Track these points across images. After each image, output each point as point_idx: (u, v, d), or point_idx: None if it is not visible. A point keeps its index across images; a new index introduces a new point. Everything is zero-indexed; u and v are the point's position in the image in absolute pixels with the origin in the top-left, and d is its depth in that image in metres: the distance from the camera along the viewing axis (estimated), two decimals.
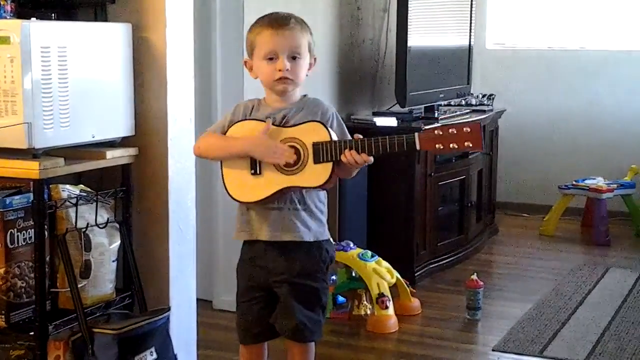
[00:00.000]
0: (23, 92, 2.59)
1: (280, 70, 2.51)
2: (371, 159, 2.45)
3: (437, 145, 2.36)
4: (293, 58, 2.52)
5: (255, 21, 2.59)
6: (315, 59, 2.61)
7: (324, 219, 2.63)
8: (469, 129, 2.35)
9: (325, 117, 2.55)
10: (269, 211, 2.55)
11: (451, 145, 2.35)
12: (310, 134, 2.46)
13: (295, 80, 2.54)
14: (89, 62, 2.81)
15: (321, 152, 2.44)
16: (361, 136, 2.45)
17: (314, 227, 2.58)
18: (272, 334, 2.66)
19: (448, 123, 2.32)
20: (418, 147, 2.38)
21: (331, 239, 2.69)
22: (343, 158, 2.42)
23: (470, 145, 2.36)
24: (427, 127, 2.39)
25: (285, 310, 2.59)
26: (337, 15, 5.10)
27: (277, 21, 2.53)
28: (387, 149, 2.41)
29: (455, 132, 2.34)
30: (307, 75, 2.59)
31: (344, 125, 2.60)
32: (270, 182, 2.50)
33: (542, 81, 6.67)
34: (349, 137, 2.55)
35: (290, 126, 2.51)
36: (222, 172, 2.59)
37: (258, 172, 2.51)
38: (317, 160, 2.44)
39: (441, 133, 2.35)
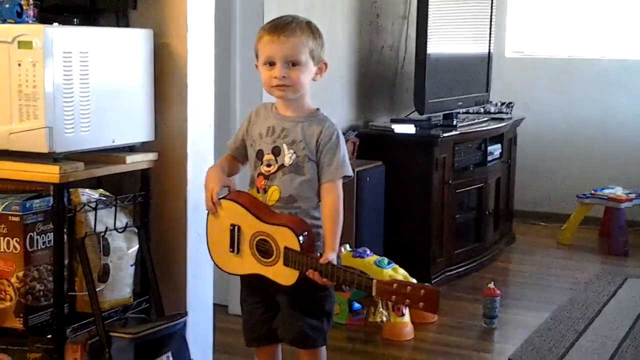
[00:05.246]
0: (44, 97, 2.60)
1: (276, 78, 2.49)
2: (332, 284, 2.44)
3: (392, 297, 2.31)
4: (293, 64, 2.49)
5: (263, 25, 2.58)
6: (325, 64, 2.56)
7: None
8: (423, 291, 2.26)
9: (322, 138, 2.50)
10: None
11: (406, 301, 2.29)
12: (284, 238, 2.43)
13: (295, 87, 2.50)
14: (110, 67, 2.83)
15: (290, 259, 2.43)
16: (330, 258, 2.40)
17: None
18: (277, 338, 2.64)
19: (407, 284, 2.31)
20: (374, 294, 2.33)
21: None
22: (308, 274, 2.41)
23: (425, 307, 2.27)
24: (383, 280, 2.34)
25: (285, 318, 2.58)
26: (356, 21, 5.10)
27: (275, 27, 2.50)
28: (346, 283, 2.38)
29: (410, 290, 2.27)
30: (314, 80, 2.55)
31: (344, 155, 2.52)
32: (246, 264, 2.53)
33: (561, 89, 6.65)
34: (347, 168, 2.50)
35: (269, 223, 2.47)
36: (207, 236, 2.64)
37: (236, 251, 2.54)
38: (286, 264, 2.44)
39: (396, 287, 2.29)
